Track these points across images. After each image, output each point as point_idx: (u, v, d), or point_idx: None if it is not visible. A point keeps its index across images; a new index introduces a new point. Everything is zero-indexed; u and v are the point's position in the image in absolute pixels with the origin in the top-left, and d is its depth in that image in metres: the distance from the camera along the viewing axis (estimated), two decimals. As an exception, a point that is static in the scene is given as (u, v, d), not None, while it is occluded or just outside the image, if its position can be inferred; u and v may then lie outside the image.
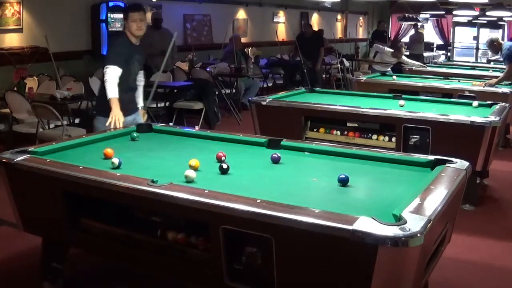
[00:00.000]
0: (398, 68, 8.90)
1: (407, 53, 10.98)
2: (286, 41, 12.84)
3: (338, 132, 4.82)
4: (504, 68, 6.94)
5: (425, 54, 14.46)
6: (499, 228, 4.27)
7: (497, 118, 4.28)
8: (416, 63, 9.24)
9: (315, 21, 14.69)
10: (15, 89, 6.33)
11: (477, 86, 6.71)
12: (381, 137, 4.65)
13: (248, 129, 5.42)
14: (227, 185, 2.54)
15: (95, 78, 7.33)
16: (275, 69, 11.12)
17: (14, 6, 7.16)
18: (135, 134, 3.61)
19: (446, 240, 2.73)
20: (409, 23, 15.36)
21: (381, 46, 9.37)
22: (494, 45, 7.01)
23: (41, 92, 6.72)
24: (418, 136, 4.42)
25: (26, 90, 6.33)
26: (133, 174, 2.61)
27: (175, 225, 2.60)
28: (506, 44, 6.84)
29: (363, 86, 7.08)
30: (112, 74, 4.02)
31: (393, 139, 4.55)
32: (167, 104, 7.69)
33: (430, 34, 17.85)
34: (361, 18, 17.25)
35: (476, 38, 17.83)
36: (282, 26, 13.22)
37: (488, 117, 4.32)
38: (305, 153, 3.27)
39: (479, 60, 15.96)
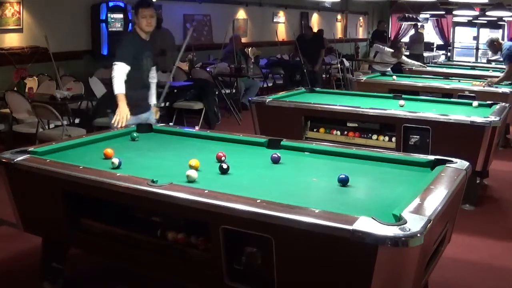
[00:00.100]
0: (398, 68, 8.90)
1: (407, 53, 10.98)
2: (286, 41, 12.84)
3: (338, 132, 4.82)
4: (504, 68, 6.95)
5: (425, 54, 14.45)
6: (499, 228, 4.27)
7: (497, 118, 4.28)
8: (416, 63, 9.24)
9: (315, 21, 14.69)
10: (15, 89, 6.33)
11: (477, 86, 6.71)
12: (381, 137, 4.65)
13: (248, 129, 5.42)
14: (227, 185, 2.54)
15: (95, 78, 7.34)
16: (275, 69, 11.12)
17: (14, 6, 7.16)
18: (135, 134, 3.61)
19: (446, 240, 2.73)
20: (409, 23, 15.36)
21: (381, 46, 9.37)
22: (494, 45, 7.02)
23: (41, 92, 6.72)
24: (418, 136, 4.42)
25: (26, 90, 6.33)
26: (133, 174, 2.61)
27: (175, 225, 2.60)
28: (506, 44, 6.84)
29: (363, 86, 7.08)
30: (119, 70, 4.06)
31: (393, 139, 4.55)
32: (167, 104, 7.69)
33: (430, 34, 17.85)
34: (361, 18, 17.25)
35: (476, 38, 17.83)
36: (282, 26, 13.23)
37: (488, 117, 4.32)
38: (305, 153, 3.27)
39: (479, 60, 15.95)
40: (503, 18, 13.95)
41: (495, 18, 13.90)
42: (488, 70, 8.85)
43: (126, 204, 2.70)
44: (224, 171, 2.76)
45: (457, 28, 18.07)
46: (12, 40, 7.24)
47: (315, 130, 4.96)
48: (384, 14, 17.40)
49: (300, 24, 14.04)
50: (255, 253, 2.19)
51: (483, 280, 3.42)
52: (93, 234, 2.81)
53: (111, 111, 4.20)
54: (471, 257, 3.71)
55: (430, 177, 2.61)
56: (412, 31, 15.41)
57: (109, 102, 4.19)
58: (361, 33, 17.28)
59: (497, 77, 6.94)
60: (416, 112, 4.56)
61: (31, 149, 3.04)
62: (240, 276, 2.28)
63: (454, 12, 13.75)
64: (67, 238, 2.93)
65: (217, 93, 8.39)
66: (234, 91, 9.17)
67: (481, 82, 6.90)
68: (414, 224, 1.96)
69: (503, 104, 5.08)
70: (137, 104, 4.21)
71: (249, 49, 11.53)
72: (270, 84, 10.75)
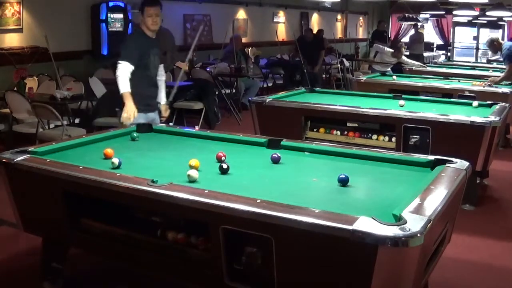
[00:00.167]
0: (398, 68, 8.90)
1: (407, 53, 10.98)
2: (286, 41, 12.84)
3: (338, 132, 4.82)
4: (504, 68, 6.95)
5: (425, 54, 14.45)
6: (499, 228, 4.27)
7: (497, 118, 4.28)
8: (416, 63, 9.24)
9: (315, 21, 14.69)
10: (15, 89, 6.33)
11: (477, 86, 6.71)
12: (381, 137, 4.65)
13: (248, 129, 5.42)
14: (227, 185, 2.54)
15: (95, 78, 7.34)
16: (275, 69, 11.12)
17: (14, 6, 7.16)
18: (135, 134, 3.61)
19: (446, 240, 2.73)
20: (409, 23, 15.36)
21: (381, 46, 9.37)
22: (494, 45, 7.03)
23: (41, 92, 6.72)
24: (418, 136, 4.42)
25: (26, 90, 6.33)
26: (133, 174, 2.61)
27: (175, 225, 2.60)
28: (506, 44, 6.85)
29: (363, 86, 7.08)
30: (123, 70, 4.08)
31: (393, 139, 4.55)
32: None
33: (430, 34, 17.85)
34: (361, 18, 17.25)
35: (476, 38, 17.83)
36: (282, 26, 13.23)
37: (488, 117, 4.32)
38: (305, 153, 3.27)
39: (479, 60, 15.95)
40: (503, 18, 13.95)
41: (495, 18, 13.90)
42: (488, 70, 8.85)
43: (126, 204, 2.70)
44: (224, 171, 2.76)
45: (457, 28, 18.07)
46: (12, 40, 7.23)
47: (315, 130, 4.96)
48: (384, 14, 17.40)
49: (300, 24, 14.04)
50: (255, 253, 2.19)
51: (483, 280, 3.42)
52: (93, 234, 2.80)
53: (119, 109, 4.22)
54: (471, 257, 3.70)
55: (430, 177, 2.61)
56: (412, 31, 15.41)
57: (118, 101, 4.20)
58: (361, 33, 17.28)
59: (498, 76, 6.95)
60: (416, 112, 4.56)
61: (31, 149, 3.04)
62: (240, 276, 2.28)
63: (454, 12, 13.75)
64: (67, 238, 2.93)
65: (217, 93, 8.39)
66: (234, 91, 9.17)
67: (481, 82, 6.90)
68: (414, 224, 1.96)
69: (503, 104, 5.08)
70: (145, 102, 4.23)
71: (249, 49, 11.53)
72: (270, 84, 10.75)
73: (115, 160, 2.83)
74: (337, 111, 4.83)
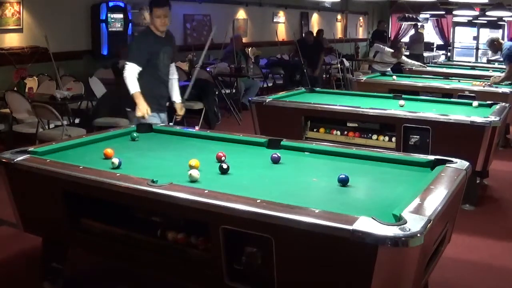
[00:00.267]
0: (398, 68, 8.90)
1: (407, 53, 10.99)
2: (286, 41, 12.84)
3: (338, 132, 4.82)
4: (504, 68, 6.95)
5: (425, 54, 14.45)
6: (499, 228, 4.27)
7: (497, 118, 4.28)
8: (416, 63, 9.25)
9: (315, 21, 14.70)
10: (15, 89, 6.33)
11: (477, 86, 6.71)
12: (381, 137, 4.65)
13: (248, 129, 5.42)
14: (227, 185, 2.54)
15: (95, 78, 7.34)
16: (275, 69, 11.12)
17: (14, 6, 7.16)
18: (135, 134, 3.61)
19: (446, 240, 2.73)
20: (409, 23, 15.36)
21: (381, 46, 9.37)
22: (494, 45, 7.03)
23: (41, 92, 6.72)
24: (418, 136, 4.42)
25: (26, 90, 6.34)
26: (133, 174, 2.61)
27: (175, 225, 2.60)
28: (506, 44, 6.85)
29: (363, 86, 7.08)
30: (130, 71, 4.11)
31: (393, 139, 4.55)
32: (167, 104, 7.68)
33: (430, 34, 17.85)
34: (361, 18, 17.25)
35: (476, 38, 17.83)
36: (282, 26, 13.23)
37: (488, 117, 4.32)
38: (305, 153, 3.27)
39: (479, 60, 15.95)
40: (503, 18, 13.95)
41: (495, 18, 13.90)
42: (488, 70, 8.85)
43: (126, 204, 2.70)
44: (224, 171, 2.76)
45: (457, 28, 18.06)
46: (12, 40, 7.24)
47: (315, 130, 4.96)
48: (384, 14, 17.40)
49: (300, 24, 14.04)
50: (255, 253, 2.19)
51: (483, 280, 3.42)
52: (93, 234, 2.80)
53: (130, 110, 4.23)
54: (471, 257, 3.70)
55: (430, 177, 2.61)
56: (412, 31, 15.41)
57: (127, 101, 4.21)
58: (361, 33, 17.28)
59: (499, 76, 6.95)
60: (416, 112, 4.56)
61: (31, 149, 3.04)
62: (240, 276, 2.28)
63: (454, 12, 13.75)
64: (67, 238, 2.93)
65: (217, 93, 8.38)
66: (234, 91, 9.17)
67: (481, 82, 6.90)
68: (414, 224, 1.96)
69: (503, 104, 5.08)
70: (157, 102, 4.26)
71: (249, 49, 11.53)
72: (270, 84, 10.75)
73: (115, 160, 2.83)
74: (337, 111, 4.83)
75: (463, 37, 18.65)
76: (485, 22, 15.95)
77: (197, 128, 3.97)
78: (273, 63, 11.34)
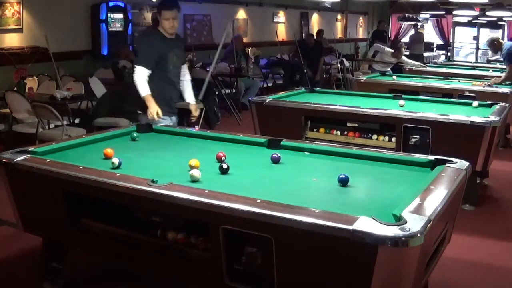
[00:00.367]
0: (398, 68, 8.90)
1: (407, 53, 10.99)
2: (286, 41, 12.84)
3: (338, 132, 4.82)
4: (504, 68, 6.95)
5: (425, 54, 14.45)
6: (499, 228, 4.27)
7: (497, 118, 4.28)
8: (416, 63, 9.25)
9: (315, 21, 14.70)
10: (15, 89, 6.33)
11: (477, 86, 6.71)
12: (381, 137, 4.65)
13: (248, 129, 5.42)
14: (227, 185, 2.54)
15: (95, 78, 7.34)
16: (275, 69, 11.12)
17: (14, 6, 7.16)
18: (135, 134, 3.61)
19: (446, 240, 2.73)
20: (409, 23, 15.35)
21: (381, 46, 9.37)
22: (494, 45, 7.04)
23: (41, 92, 6.72)
24: (418, 136, 4.42)
25: (26, 90, 6.34)
26: (133, 174, 2.61)
27: (175, 225, 2.60)
28: (506, 44, 6.85)
29: (363, 86, 7.08)
30: (140, 74, 4.11)
31: (393, 139, 4.55)
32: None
33: (430, 34, 17.84)
34: (361, 18, 17.25)
35: (476, 38, 17.82)
36: (282, 26, 13.22)
37: (488, 117, 4.32)
38: (305, 153, 3.27)
39: (479, 60, 15.95)
40: (503, 18, 13.94)
41: (495, 18, 13.89)
42: (488, 70, 8.86)
43: (126, 204, 2.70)
44: (224, 171, 2.76)
45: (457, 28, 18.06)
46: (12, 40, 7.24)
47: (315, 130, 4.96)
48: (384, 14, 17.40)
49: (300, 24, 14.04)
50: (255, 253, 2.19)
51: (483, 280, 3.42)
52: (93, 234, 2.80)
53: (141, 112, 4.25)
54: (471, 257, 3.70)
55: (430, 177, 2.61)
56: (412, 31, 15.41)
57: (138, 104, 4.22)
58: (361, 33, 17.28)
59: (499, 77, 6.95)
60: (416, 112, 4.56)
61: (31, 149, 3.04)
62: (240, 276, 2.28)
63: (454, 12, 13.75)
64: (67, 238, 2.93)
65: (217, 93, 8.38)
66: (234, 91, 9.17)
67: (482, 82, 6.90)
68: (414, 224, 1.96)
69: (503, 104, 5.08)
70: (168, 104, 4.25)
71: (249, 49, 11.53)
72: (270, 84, 10.75)
73: (115, 160, 2.83)
74: (337, 111, 4.83)
75: (463, 37, 18.63)
76: (485, 22, 15.95)
77: (197, 128, 3.97)
78: (273, 63, 11.34)
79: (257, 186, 2.62)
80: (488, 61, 12.20)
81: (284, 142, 3.38)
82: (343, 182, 2.60)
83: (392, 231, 1.91)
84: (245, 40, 11.32)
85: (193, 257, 2.48)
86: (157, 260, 2.60)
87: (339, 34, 15.68)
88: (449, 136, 4.25)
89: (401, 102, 5.13)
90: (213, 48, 10.49)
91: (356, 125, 4.78)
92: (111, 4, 8.29)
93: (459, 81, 7.37)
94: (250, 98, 5.55)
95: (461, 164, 2.83)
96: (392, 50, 8.94)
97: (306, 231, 2.03)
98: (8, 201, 3.01)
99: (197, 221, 2.40)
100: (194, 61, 9.58)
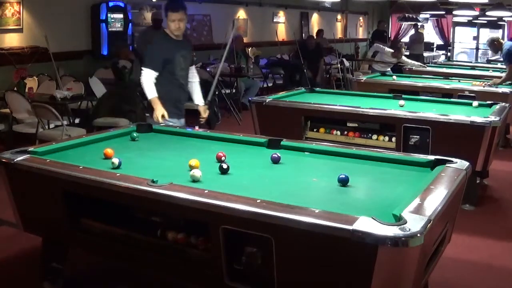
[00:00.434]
0: (398, 68, 8.90)
1: (407, 53, 10.99)
2: (286, 41, 12.84)
3: (338, 132, 4.82)
4: (504, 68, 6.94)
5: (425, 54, 14.45)
6: (499, 228, 4.27)
7: (497, 118, 4.28)
8: (416, 63, 9.25)
9: (315, 21, 14.70)
10: (15, 89, 6.33)
11: (477, 86, 6.71)
12: (381, 137, 4.65)
13: (248, 129, 5.42)
14: (227, 185, 2.54)
15: (95, 78, 7.34)
16: (275, 69, 11.12)
17: (14, 6, 7.16)
18: (135, 134, 3.61)
19: (446, 240, 2.73)
20: (409, 23, 15.35)
21: (381, 46, 9.37)
22: (494, 44, 7.04)
23: (41, 92, 6.72)
24: (418, 136, 4.42)
25: (26, 90, 6.33)
26: (133, 174, 2.61)
27: (175, 225, 2.60)
28: (506, 44, 6.85)
29: (363, 86, 7.08)
30: (147, 77, 4.10)
31: (393, 139, 4.55)
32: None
33: (430, 34, 17.84)
34: (361, 18, 17.24)
35: (476, 38, 17.82)
36: (282, 26, 13.22)
37: (488, 117, 4.32)
38: (305, 153, 3.27)
39: (479, 60, 15.95)
40: (503, 18, 13.94)
41: (495, 18, 13.89)
42: (488, 70, 8.86)
43: (126, 204, 2.70)
44: (224, 171, 2.76)
45: (457, 28, 18.06)
46: (12, 40, 7.23)
47: (315, 130, 4.96)
48: (384, 14, 17.39)
49: (300, 24, 14.03)
50: (255, 253, 2.19)
51: (483, 280, 3.42)
52: (93, 234, 2.80)
53: (149, 115, 4.24)
54: (471, 257, 3.70)
55: (430, 177, 2.61)
56: (412, 31, 15.41)
57: (148, 108, 4.22)
58: (361, 33, 17.27)
59: (499, 77, 6.96)
60: (416, 112, 4.56)
61: (31, 149, 3.04)
62: (240, 276, 2.28)
63: (454, 12, 13.75)
64: (67, 238, 2.93)
65: (217, 93, 8.38)
66: (234, 91, 9.17)
67: (482, 82, 6.90)
68: (414, 224, 1.96)
69: (503, 104, 5.08)
70: (175, 105, 4.24)
71: (249, 49, 11.53)
72: (270, 84, 10.75)
73: (115, 160, 2.83)
74: (337, 111, 4.83)
75: (463, 37, 18.63)
76: (485, 22, 15.95)
77: (197, 128, 3.97)
78: (273, 63, 11.34)
79: (257, 186, 2.62)
80: (488, 61, 12.20)
81: (284, 142, 3.38)
82: (343, 182, 2.60)
83: (392, 231, 1.91)
84: (245, 40, 11.32)
85: (193, 257, 2.48)
86: (157, 260, 2.60)
87: (339, 34, 15.67)
88: (449, 136, 4.25)
89: (401, 102, 5.13)
90: (213, 48, 10.53)
91: (356, 125, 4.78)
92: (111, 4, 8.29)
93: (459, 81, 7.37)
94: (250, 98, 5.55)
95: (461, 164, 2.83)
96: (392, 50, 8.94)
97: (306, 231, 2.03)
98: (8, 201, 3.01)
99: (197, 221, 2.40)
100: (194, 61, 9.56)
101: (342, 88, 11.02)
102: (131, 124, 4.19)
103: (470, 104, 5.18)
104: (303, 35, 13.72)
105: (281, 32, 12.95)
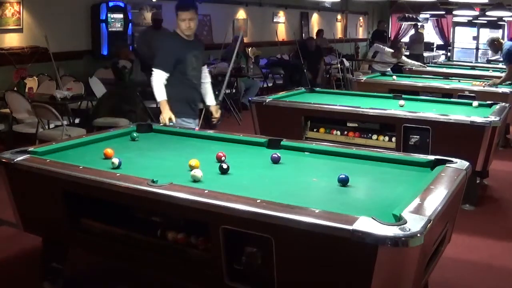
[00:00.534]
0: (398, 68, 8.90)
1: (407, 53, 10.99)
2: (286, 41, 12.84)
3: (338, 132, 4.82)
4: (504, 68, 6.94)
5: (425, 54, 14.45)
6: (499, 228, 4.27)
7: (497, 118, 4.28)
8: (416, 63, 9.24)
9: (315, 21, 14.70)
10: (15, 89, 6.33)
11: (477, 86, 6.71)
12: (381, 137, 4.65)
13: (248, 129, 5.42)
14: (227, 185, 2.54)
15: (95, 78, 7.34)
16: (275, 69, 11.13)
17: (14, 6, 7.16)
18: (135, 134, 3.61)
19: (446, 240, 2.73)
20: (409, 23, 15.35)
21: (381, 46, 9.37)
22: (494, 44, 7.03)
23: (41, 92, 6.72)
24: (418, 136, 4.42)
25: (26, 90, 6.33)
26: (133, 174, 2.61)
27: (175, 225, 2.60)
28: (506, 44, 6.85)
29: (363, 86, 7.08)
30: (157, 78, 4.07)
31: (393, 139, 4.55)
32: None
33: (430, 34, 17.84)
34: (361, 18, 17.25)
35: (476, 38, 17.82)
36: (282, 26, 13.23)
37: (488, 117, 4.32)
38: (305, 153, 3.27)
39: (479, 60, 15.95)
40: (503, 18, 13.94)
41: (495, 18, 13.89)
42: (488, 70, 8.86)
43: (126, 204, 2.70)
44: (224, 171, 2.76)
45: (457, 28, 18.06)
46: (12, 40, 7.23)
47: (315, 130, 4.96)
48: (384, 14, 17.39)
49: (300, 24, 14.04)
50: (255, 253, 2.19)
51: (483, 280, 3.42)
52: (93, 234, 2.80)
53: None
54: (471, 257, 3.70)
55: (430, 177, 2.61)
56: (412, 31, 15.41)
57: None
58: (361, 33, 17.28)
59: (499, 77, 6.96)
60: (416, 112, 4.56)
61: (31, 149, 3.04)
62: (240, 276, 2.28)
63: (454, 12, 13.74)
64: (67, 238, 2.93)
65: (217, 93, 8.37)
66: (234, 91, 9.17)
67: (482, 82, 6.90)
68: (414, 224, 1.96)
69: (503, 104, 5.08)
70: (190, 106, 4.22)
71: (249, 49, 11.53)
72: (270, 84, 10.75)
73: (115, 160, 2.83)
74: (337, 111, 4.83)
75: (463, 37, 18.64)
76: (485, 22, 15.95)
77: (197, 128, 3.97)
78: (273, 63, 11.34)
79: (257, 186, 2.62)
80: (488, 61, 12.20)
81: (284, 142, 3.38)
82: (343, 182, 2.60)
83: (392, 231, 1.91)
84: (245, 40, 11.32)
85: (193, 257, 2.48)
86: (157, 260, 2.60)
87: (339, 34, 15.68)
88: (449, 136, 4.25)
89: (401, 102, 5.13)
90: (213, 48, 10.53)
91: (356, 125, 4.78)
92: (111, 4, 8.29)
93: (459, 81, 7.37)
94: (250, 98, 5.55)
95: (461, 164, 2.83)
96: (392, 50, 8.94)
97: (306, 231, 2.03)
98: (8, 201, 3.01)
99: (197, 221, 2.40)
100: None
101: (342, 88, 11.02)
102: (131, 124, 4.18)
103: (470, 104, 5.18)
104: (303, 35, 13.72)
105: (281, 32, 12.95)
